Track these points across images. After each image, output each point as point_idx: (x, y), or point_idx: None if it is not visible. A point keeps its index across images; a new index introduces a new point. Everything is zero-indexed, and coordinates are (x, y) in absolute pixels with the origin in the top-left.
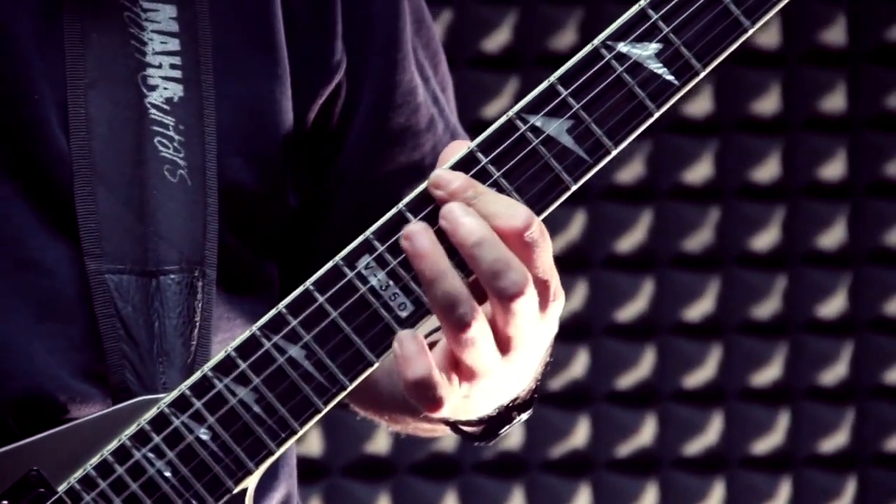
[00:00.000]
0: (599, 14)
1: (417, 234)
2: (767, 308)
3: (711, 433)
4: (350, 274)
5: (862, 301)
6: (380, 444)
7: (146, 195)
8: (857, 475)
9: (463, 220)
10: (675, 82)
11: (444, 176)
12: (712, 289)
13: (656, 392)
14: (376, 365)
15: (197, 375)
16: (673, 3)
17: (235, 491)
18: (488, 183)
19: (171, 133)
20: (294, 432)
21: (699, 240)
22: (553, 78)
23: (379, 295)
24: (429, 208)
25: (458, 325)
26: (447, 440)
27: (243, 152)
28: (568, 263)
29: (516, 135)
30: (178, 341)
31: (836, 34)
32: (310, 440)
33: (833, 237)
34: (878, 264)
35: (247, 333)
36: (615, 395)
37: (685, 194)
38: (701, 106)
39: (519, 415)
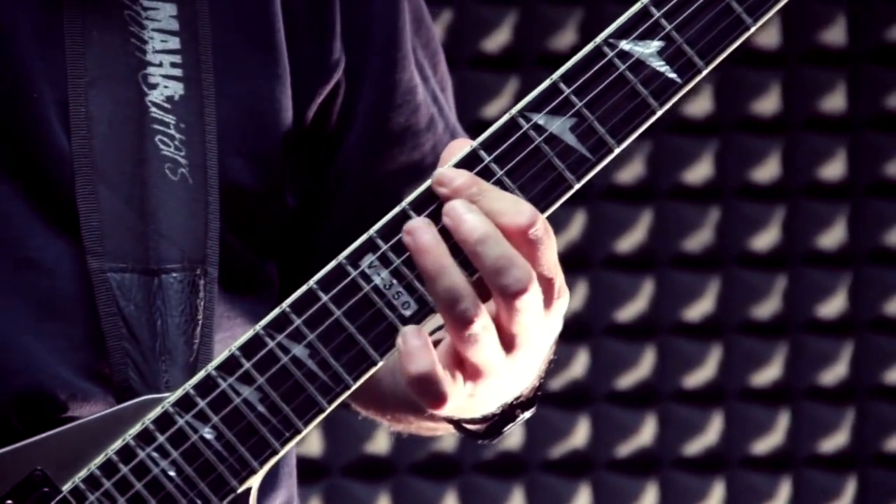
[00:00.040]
0: (599, 14)
1: (419, 228)
2: (767, 308)
3: (711, 433)
4: (354, 273)
5: (862, 301)
6: (380, 444)
7: (147, 193)
8: (857, 475)
9: (466, 216)
10: (678, 80)
11: (448, 173)
12: (712, 289)
13: (656, 392)
14: (380, 364)
15: (201, 375)
16: (675, 0)
17: (240, 490)
18: (491, 181)
19: (172, 131)
20: (298, 431)
21: (699, 240)
22: (555, 76)
23: (382, 294)
24: (432, 206)
25: (460, 321)
26: (447, 440)
27: (243, 152)
28: (568, 263)
29: (519, 133)
30: (181, 340)
31: (836, 34)
32: (310, 440)
33: (833, 237)
34: (878, 264)
35: (251, 332)
36: (615, 395)
37: (685, 194)
38: (701, 106)
39: (523, 412)
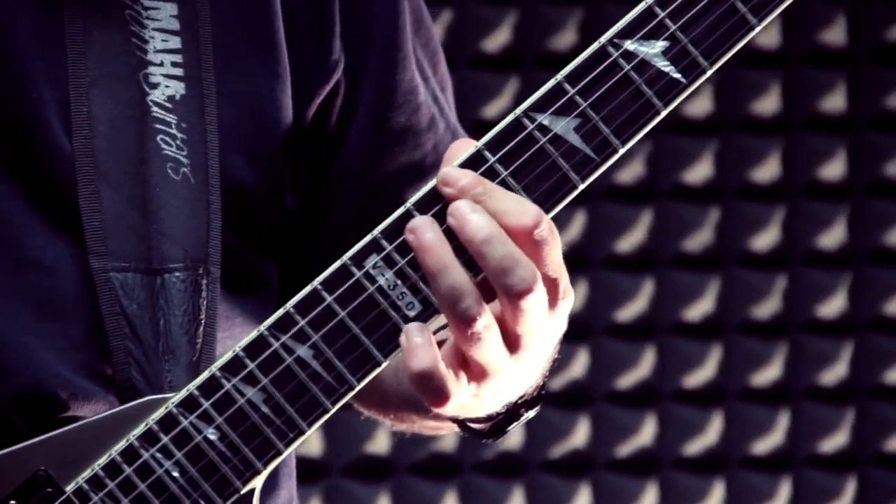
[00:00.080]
0: (599, 14)
1: (421, 227)
2: (767, 308)
3: (711, 433)
4: (358, 273)
5: (862, 301)
6: (380, 444)
7: (149, 193)
8: (857, 475)
9: (470, 216)
10: (683, 80)
11: (453, 173)
12: (712, 289)
13: (656, 392)
14: (384, 365)
15: (205, 375)
16: (679, 0)
17: (243, 491)
18: (496, 181)
19: (174, 131)
20: (302, 432)
21: (699, 240)
22: (560, 76)
23: (387, 294)
24: (437, 207)
25: (463, 319)
26: (447, 440)
27: (244, 151)
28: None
29: (524, 133)
30: (184, 339)
31: (836, 34)
32: (310, 440)
33: (833, 237)
34: (878, 264)
35: (254, 333)
36: (615, 395)
37: (685, 194)
38: (701, 106)
39: (527, 412)
